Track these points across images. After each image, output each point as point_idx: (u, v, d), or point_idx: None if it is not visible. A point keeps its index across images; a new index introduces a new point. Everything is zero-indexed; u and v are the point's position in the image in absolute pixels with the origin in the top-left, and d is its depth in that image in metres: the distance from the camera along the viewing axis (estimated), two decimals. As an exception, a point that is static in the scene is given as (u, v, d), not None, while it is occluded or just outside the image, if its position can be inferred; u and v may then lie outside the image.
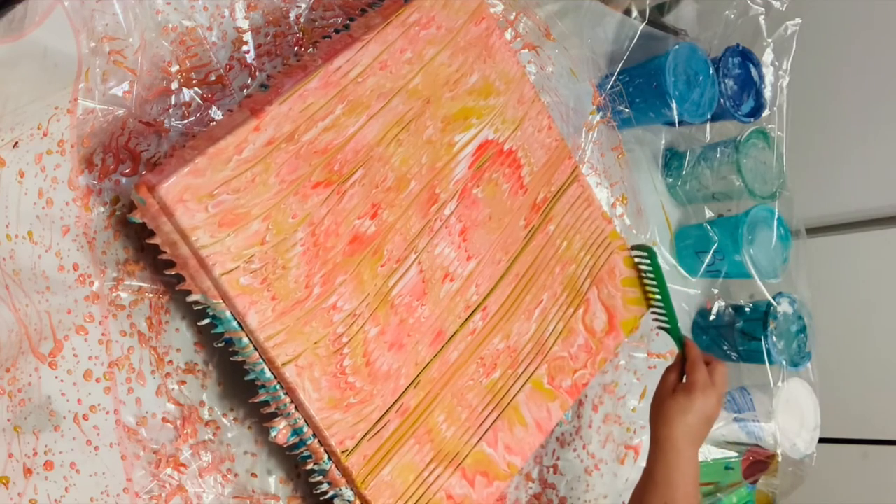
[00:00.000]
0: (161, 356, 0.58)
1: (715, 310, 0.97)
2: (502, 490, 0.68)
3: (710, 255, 0.94)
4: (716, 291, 0.97)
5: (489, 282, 0.68)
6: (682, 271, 0.97)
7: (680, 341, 0.77)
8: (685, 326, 0.99)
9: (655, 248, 0.94)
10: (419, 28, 0.65)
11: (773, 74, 0.96)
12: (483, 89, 0.69)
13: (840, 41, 1.07)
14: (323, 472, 0.59)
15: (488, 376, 0.67)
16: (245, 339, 0.55)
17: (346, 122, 0.60)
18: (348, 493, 0.59)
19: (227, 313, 0.54)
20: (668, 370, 0.75)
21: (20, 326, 0.51)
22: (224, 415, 0.61)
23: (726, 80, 0.93)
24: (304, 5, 0.67)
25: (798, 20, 0.93)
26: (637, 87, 0.89)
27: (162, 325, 0.58)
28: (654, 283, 0.78)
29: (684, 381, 0.73)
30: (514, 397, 0.68)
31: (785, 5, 0.92)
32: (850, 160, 1.09)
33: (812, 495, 1.00)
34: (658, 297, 0.78)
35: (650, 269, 0.78)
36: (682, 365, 0.75)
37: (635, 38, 0.89)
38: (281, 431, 0.58)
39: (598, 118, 0.90)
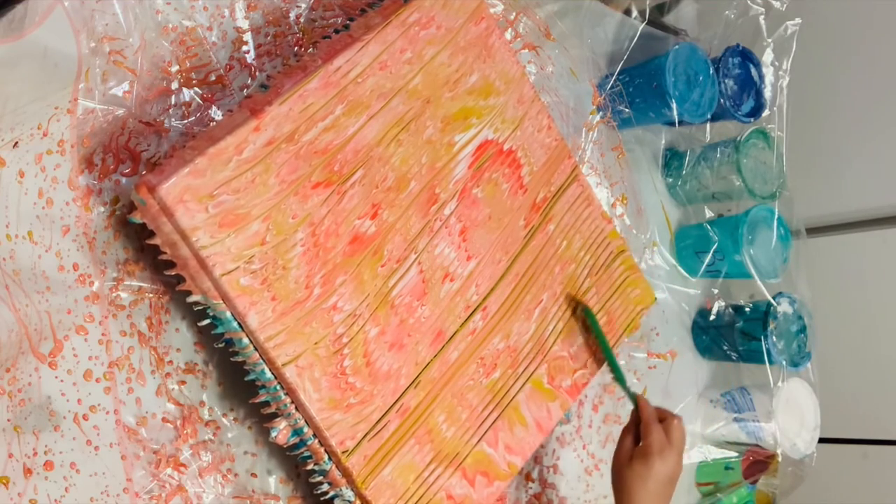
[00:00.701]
0: (161, 356, 0.58)
1: (715, 310, 0.97)
2: (503, 490, 0.68)
3: (710, 255, 0.94)
4: (716, 291, 0.97)
5: (489, 282, 0.68)
6: (682, 271, 0.97)
7: (632, 398, 0.73)
8: (685, 327, 0.99)
9: (655, 249, 0.95)
10: (419, 28, 0.65)
11: (773, 74, 0.96)
12: (483, 89, 0.69)
13: (840, 41, 1.07)
14: (323, 473, 0.59)
15: (488, 376, 0.67)
16: (245, 340, 0.55)
17: (346, 123, 0.60)
18: (349, 494, 0.59)
19: (228, 314, 0.54)
20: (623, 432, 0.71)
21: (20, 326, 0.51)
22: (224, 415, 0.61)
23: (726, 80, 0.93)
24: (304, 5, 0.67)
25: (798, 20, 0.93)
26: (637, 87, 0.89)
27: (162, 325, 0.58)
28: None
29: (641, 444, 0.69)
30: (514, 397, 0.68)
31: (785, 5, 0.92)
32: (850, 160, 1.09)
33: (812, 495, 1.00)
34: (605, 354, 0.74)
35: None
36: (637, 425, 0.71)
37: (635, 38, 0.89)
38: (281, 432, 0.58)
39: (598, 118, 0.90)
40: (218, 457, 0.60)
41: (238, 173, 0.54)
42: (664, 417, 0.71)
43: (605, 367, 0.76)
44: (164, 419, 0.58)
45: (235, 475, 0.61)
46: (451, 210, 0.66)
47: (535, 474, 0.81)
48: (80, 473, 0.53)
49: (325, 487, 0.60)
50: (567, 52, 0.88)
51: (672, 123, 0.89)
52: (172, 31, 0.59)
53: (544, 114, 0.74)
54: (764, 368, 0.92)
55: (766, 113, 0.95)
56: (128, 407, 0.56)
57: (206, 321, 0.56)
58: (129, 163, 0.57)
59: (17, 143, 0.52)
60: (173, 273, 0.55)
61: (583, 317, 0.74)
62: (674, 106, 0.86)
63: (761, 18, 0.93)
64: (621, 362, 0.90)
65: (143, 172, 0.58)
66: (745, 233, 0.91)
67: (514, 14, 0.83)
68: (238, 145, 0.54)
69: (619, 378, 0.74)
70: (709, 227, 0.94)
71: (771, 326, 0.92)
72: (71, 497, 0.52)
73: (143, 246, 0.57)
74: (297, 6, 0.67)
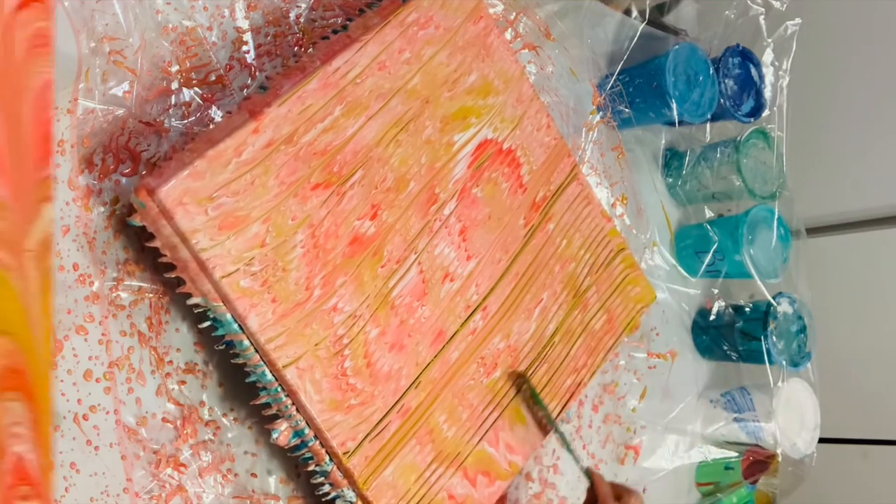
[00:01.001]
0: (161, 356, 0.58)
1: (715, 310, 0.97)
2: (504, 489, 0.68)
3: (710, 255, 0.94)
4: (716, 291, 0.97)
5: (489, 281, 0.68)
6: (682, 271, 0.97)
7: (587, 474, 0.69)
8: (685, 327, 0.99)
9: (655, 248, 0.95)
10: (417, 28, 0.65)
11: (773, 74, 0.96)
12: (482, 88, 0.69)
13: (840, 41, 1.07)
14: (325, 474, 0.59)
15: (489, 376, 0.67)
16: (246, 342, 0.55)
17: (345, 124, 0.60)
18: (350, 494, 0.59)
19: (228, 316, 0.54)
20: None
21: (20, 327, 0.51)
22: (224, 415, 0.61)
23: (726, 80, 0.93)
24: (304, 5, 0.67)
25: (798, 20, 0.93)
26: (637, 87, 0.89)
27: (162, 325, 0.58)
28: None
29: None
30: (514, 396, 0.68)
31: (785, 5, 0.92)
32: (850, 160, 1.09)
33: (812, 495, 1.00)
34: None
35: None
36: None
37: (635, 38, 0.89)
38: (282, 433, 0.58)
39: (598, 118, 0.90)
40: (218, 457, 0.60)
41: (237, 175, 0.54)
42: (621, 494, 0.66)
43: (604, 366, 0.76)
44: (164, 419, 0.58)
45: (235, 475, 0.61)
46: (451, 210, 0.66)
47: (535, 474, 0.81)
48: (80, 473, 0.53)
49: (326, 488, 0.60)
50: (567, 52, 0.88)
51: (672, 123, 0.89)
52: (172, 31, 0.59)
53: (543, 113, 0.74)
54: (764, 368, 0.92)
55: (766, 113, 0.95)
56: (128, 407, 0.56)
57: (207, 323, 0.56)
58: (129, 163, 0.57)
59: (16, 143, 0.52)
60: (173, 275, 0.55)
61: (528, 394, 0.69)
62: (674, 106, 0.86)
63: (761, 18, 0.93)
64: (621, 362, 0.90)
65: (143, 173, 0.58)
66: (745, 233, 0.91)
67: (513, 14, 0.83)
68: (237, 147, 0.54)
69: (569, 451, 0.70)
70: (709, 227, 0.94)
71: (771, 326, 0.93)
72: (71, 497, 0.52)
73: (143, 246, 0.57)
74: (297, 6, 0.67)
